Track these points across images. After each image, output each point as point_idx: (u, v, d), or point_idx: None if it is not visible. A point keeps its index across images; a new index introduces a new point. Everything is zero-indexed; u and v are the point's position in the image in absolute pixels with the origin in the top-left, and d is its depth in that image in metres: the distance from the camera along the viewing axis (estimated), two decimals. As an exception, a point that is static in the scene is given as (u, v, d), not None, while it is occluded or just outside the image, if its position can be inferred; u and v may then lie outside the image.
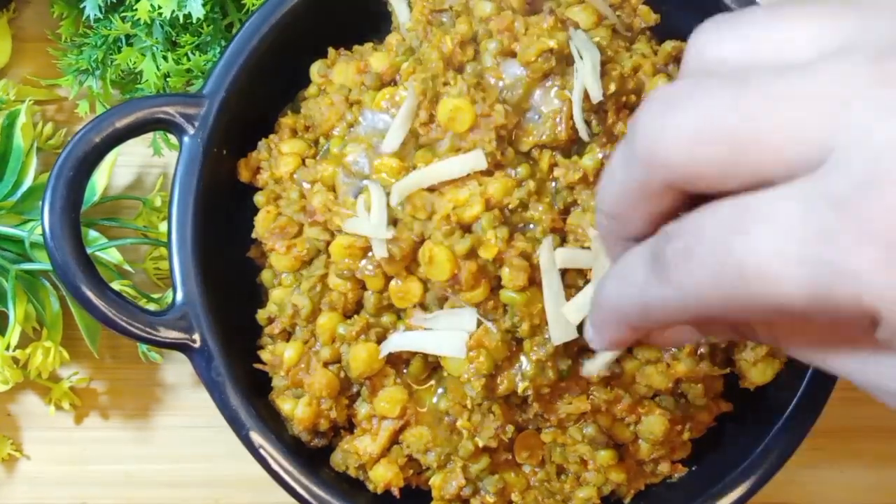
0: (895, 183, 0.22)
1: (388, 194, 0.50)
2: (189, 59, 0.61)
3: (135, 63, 0.62)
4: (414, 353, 0.52)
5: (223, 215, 0.56)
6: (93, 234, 0.63)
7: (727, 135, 0.24)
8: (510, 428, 0.52)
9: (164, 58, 0.61)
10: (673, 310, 0.27)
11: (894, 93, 0.23)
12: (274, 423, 0.54)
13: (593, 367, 0.50)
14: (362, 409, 0.53)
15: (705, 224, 0.25)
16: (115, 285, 0.61)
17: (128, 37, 0.63)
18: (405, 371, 0.53)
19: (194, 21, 0.59)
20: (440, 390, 0.53)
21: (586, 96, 0.49)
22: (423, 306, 0.51)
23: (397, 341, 0.51)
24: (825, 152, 0.23)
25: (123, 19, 0.61)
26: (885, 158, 0.22)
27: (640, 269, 0.28)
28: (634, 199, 0.28)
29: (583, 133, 0.48)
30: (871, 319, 0.24)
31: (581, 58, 0.49)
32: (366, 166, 0.52)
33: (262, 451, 0.52)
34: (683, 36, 0.43)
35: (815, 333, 0.30)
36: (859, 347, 0.29)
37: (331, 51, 0.58)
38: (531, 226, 0.50)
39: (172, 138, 0.59)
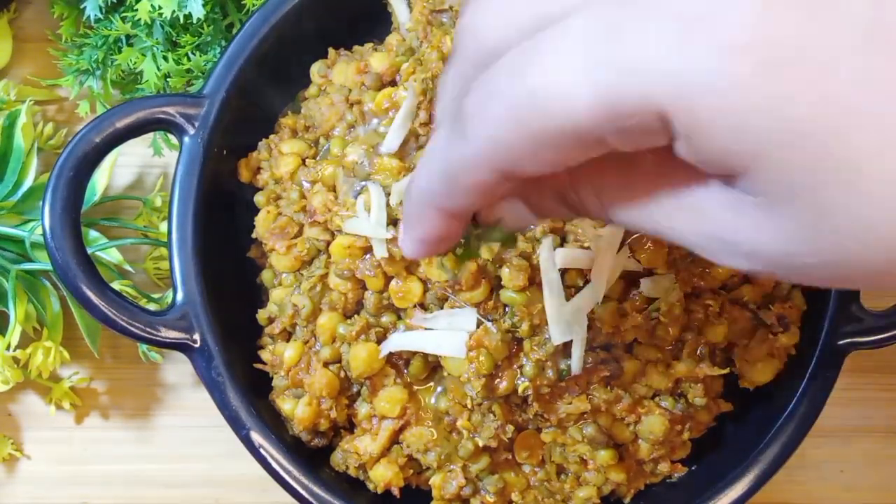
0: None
1: (388, 194, 0.50)
2: (189, 60, 0.61)
3: (135, 63, 0.62)
4: (414, 353, 0.52)
5: (223, 215, 0.56)
6: (93, 234, 0.63)
7: None
8: (510, 428, 0.52)
9: (165, 58, 0.61)
10: (476, 167, 0.25)
11: None
12: (274, 423, 0.54)
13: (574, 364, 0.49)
14: (362, 409, 0.53)
15: (500, 69, 0.24)
16: (116, 285, 0.61)
17: (128, 37, 0.63)
18: (405, 371, 0.53)
19: (194, 21, 0.59)
20: (440, 390, 0.53)
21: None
22: (423, 306, 0.51)
23: (397, 341, 0.51)
24: None
25: (124, 19, 0.61)
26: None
27: (442, 138, 0.26)
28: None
29: None
30: (668, 133, 0.22)
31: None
32: (366, 166, 0.52)
33: (262, 450, 0.52)
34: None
35: (640, 185, 0.26)
36: (683, 191, 0.25)
37: (331, 51, 0.58)
38: (531, 226, 0.50)
39: (173, 138, 0.59)
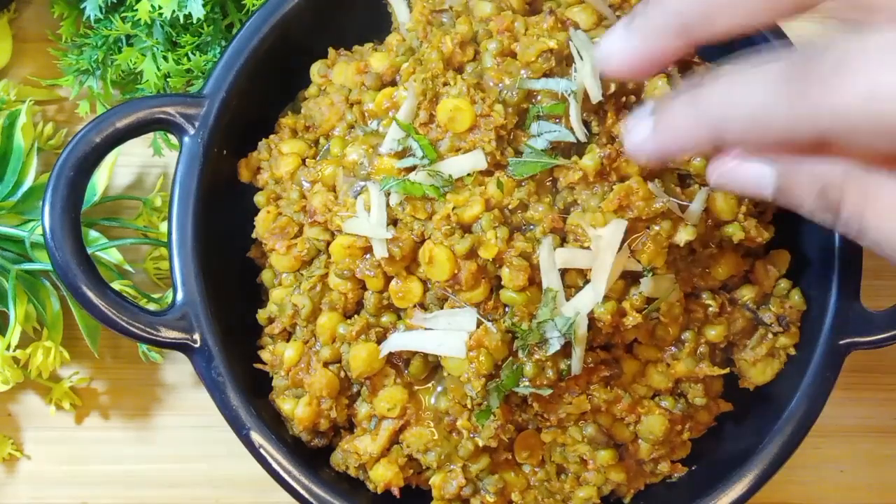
0: None
1: (387, 194, 0.50)
2: (189, 60, 0.61)
3: (135, 63, 0.62)
4: (414, 353, 0.52)
5: (223, 215, 0.56)
6: (93, 234, 0.63)
7: None
8: (510, 428, 0.52)
9: (165, 58, 0.61)
10: (796, 128, 0.27)
11: None
12: (274, 423, 0.54)
13: None
14: (362, 409, 0.53)
15: (867, 46, 0.25)
16: (116, 285, 0.61)
17: (128, 37, 0.63)
18: (405, 371, 0.53)
19: (194, 21, 0.59)
20: (440, 390, 0.53)
21: (586, 96, 0.49)
22: (423, 306, 0.51)
23: (397, 341, 0.51)
24: None
25: (124, 20, 0.61)
26: None
27: (762, 87, 0.28)
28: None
29: (579, 134, 0.48)
30: None
31: (581, 58, 0.49)
32: (366, 166, 0.52)
33: (262, 450, 0.52)
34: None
35: None
36: None
37: (331, 51, 0.58)
38: (531, 226, 0.50)
39: (172, 138, 0.59)
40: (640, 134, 0.35)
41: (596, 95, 0.49)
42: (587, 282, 0.49)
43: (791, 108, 0.27)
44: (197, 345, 0.52)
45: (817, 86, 0.26)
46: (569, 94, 0.48)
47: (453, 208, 0.49)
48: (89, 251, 0.52)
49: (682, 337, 0.53)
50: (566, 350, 0.49)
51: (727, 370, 0.55)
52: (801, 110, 0.27)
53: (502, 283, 0.49)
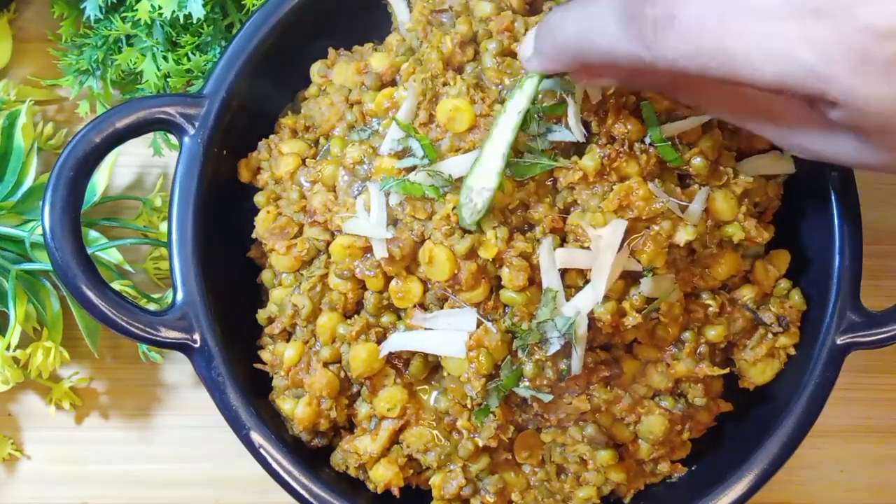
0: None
1: (387, 194, 0.50)
2: (189, 60, 0.61)
3: (135, 63, 0.62)
4: (414, 353, 0.52)
5: (223, 215, 0.56)
6: (93, 234, 0.63)
7: None
8: (510, 428, 0.52)
9: (165, 58, 0.61)
10: (638, 64, 0.34)
11: None
12: (274, 423, 0.54)
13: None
14: (362, 409, 0.53)
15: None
16: (116, 285, 0.61)
17: (128, 37, 0.63)
18: (405, 371, 0.53)
19: (194, 21, 0.59)
20: (440, 390, 0.53)
21: (586, 96, 0.49)
22: (423, 306, 0.51)
23: (397, 341, 0.51)
24: None
25: (124, 20, 0.61)
26: None
27: (612, 23, 0.34)
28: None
29: (578, 134, 0.48)
30: (828, 103, 0.32)
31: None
32: (366, 166, 0.52)
33: (262, 450, 0.52)
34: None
35: (760, 106, 0.39)
36: (810, 126, 0.38)
37: (331, 51, 0.58)
38: (531, 226, 0.50)
39: (172, 138, 0.59)
40: (525, 53, 0.42)
41: (595, 95, 0.49)
42: (587, 282, 0.49)
43: (633, 48, 0.34)
44: (197, 345, 0.52)
45: (650, 30, 0.33)
46: (567, 95, 0.48)
47: (453, 208, 0.49)
48: (89, 251, 0.52)
49: (682, 337, 0.53)
50: (566, 350, 0.49)
51: (727, 370, 0.55)
52: (637, 49, 0.34)
53: (502, 283, 0.49)
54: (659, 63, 0.34)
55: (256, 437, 0.52)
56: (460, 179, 0.49)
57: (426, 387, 0.53)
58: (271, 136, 0.58)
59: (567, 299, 0.49)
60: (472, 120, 0.50)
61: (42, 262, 0.60)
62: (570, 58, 0.39)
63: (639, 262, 0.49)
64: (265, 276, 0.57)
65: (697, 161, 0.51)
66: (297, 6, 0.55)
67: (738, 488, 0.53)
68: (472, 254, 0.49)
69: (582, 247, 0.49)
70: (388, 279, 0.51)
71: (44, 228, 0.51)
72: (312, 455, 0.55)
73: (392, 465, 0.53)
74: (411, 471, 0.54)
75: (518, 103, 0.47)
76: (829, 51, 0.30)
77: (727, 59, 0.31)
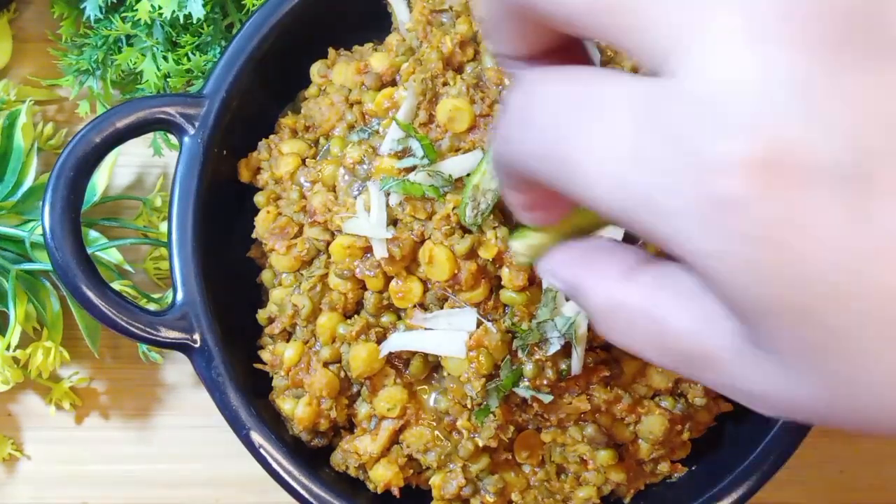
0: (729, 131, 0.19)
1: (387, 194, 0.50)
2: (189, 60, 0.61)
3: (135, 63, 0.62)
4: (414, 353, 0.52)
5: (223, 215, 0.56)
6: (93, 234, 0.63)
7: None
8: (510, 428, 0.52)
9: (165, 58, 0.61)
10: (507, 164, 0.26)
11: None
12: (274, 423, 0.54)
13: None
14: (362, 409, 0.53)
15: (547, 96, 0.24)
16: (116, 285, 0.61)
17: (128, 37, 0.63)
18: (405, 371, 0.53)
19: (194, 21, 0.59)
20: (440, 390, 0.53)
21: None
22: (423, 306, 0.51)
23: (397, 341, 0.51)
24: (680, 56, 0.20)
25: (124, 20, 0.61)
26: (724, 102, 0.19)
27: (502, 118, 0.27)
28: (499, 16, 0.27)
29: None
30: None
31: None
32: (366, 166, 0.52)
33: (262, 451, 0.52)
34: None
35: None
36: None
37: (331, 51, 0.58)
38: (531, 226, 0.50)
39: (173, 138, 0.59)
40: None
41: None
42: (587, 282, 0.49)
43: (503, 145, 0.26)
44: (197, 345, 0.52)
45: (512, 126, 0.25)
46: None
47: (453, 208, 0.49)
48: (89, 251, 0.52)
49: (682, 337, 0.53)
50: (566, 350, 0.49)
51: (727, 370, 0.55)
52: (507, 148, 0.26)
53: (502, 283, 0.49)
54: (516, 164, 0.26)
55: (256, 437, 0.52)
56: (460, 179, 0.49)
57: (426, 387, 0.53)
58: (271, 136, 0.58)
59: (567, 299, 0.49)
60: (472, 120, 0.50)
61: (42, 262, 0.60)
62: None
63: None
64: (265, 276, 0.57)
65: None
66: (298, 6, 0.55)
67: (739, 488, 0.53)
68: (472, 254, 0.49)
69: (582, 247, 0.49)
70: (388, 279, 0.51)
71: (44, 228, 0.51)
72: (312, 455, 0.55)
73: (392, 465, 0.53)
74: (411, 471, 0.54)
75: None
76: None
77: (565, 171, 0.23)
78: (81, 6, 0.61)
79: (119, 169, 0.66)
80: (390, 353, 0.52)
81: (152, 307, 0.58)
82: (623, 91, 0.22)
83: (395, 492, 0.54)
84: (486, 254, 0.49)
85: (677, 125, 0.20)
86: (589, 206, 0.23)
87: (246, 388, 0.53)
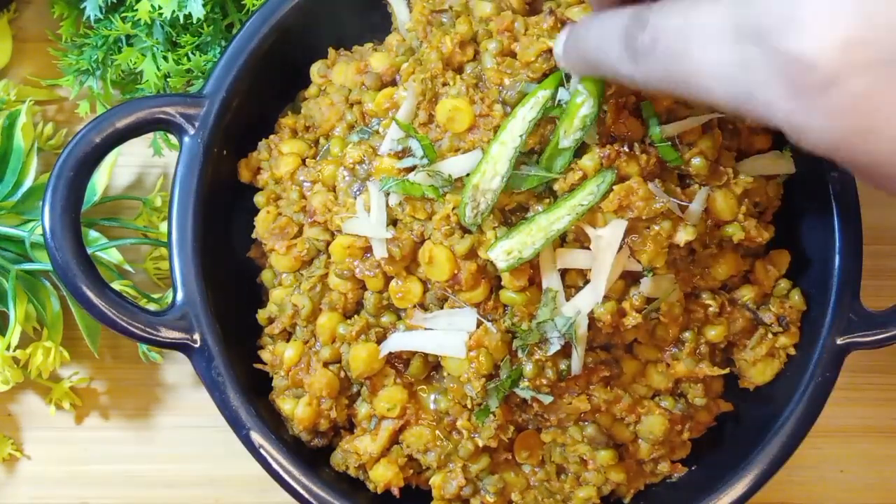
0: (810, 26, 0.29)
1: (387, 194, 0.50)
2: (189, 60, 0.61)
3: (135, 63, 0.62)
4: (414, 353, 0.52)
5: (223, 215, 0.56)
6: (93, 234, 0.63)
7: None
8: (510, 428, 0.52)
9: (165, 58, 0.61)
10: (632, 85, 0.37)
11: None
12: (274, 423, 0.54)
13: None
14: (362, 409, 0.53)
15: (666, 26, 0.34)
16: (116, 285, 0.61)
17: (128, 37, 0.63)
18: (405, 371, 0.53)
19: (194, 21, 0.59)
20: (440, 390, 0.53)
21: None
22: (423, 306, 0.51)
23: (397, 341, 0.51)
24: None
25: (124, 20, 0.61)
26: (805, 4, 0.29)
27: (616, 45, 0.37)
28: None
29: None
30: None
31: (581, 58, 0.49)
32: (366, 167, 0.52)
33: (262, 451, 0.52)
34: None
35: None
36: None
37: (331, 51, 0.58)
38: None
39: (173, 138, 0.59)
40: (557, 51, 0.45)
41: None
42: (587, 282, 0.49)
43: (629, 70, 0.37)
44: (197, 345, 0.52)
45: (640, 54, 0.35)
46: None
47: (453, 208, 0.49)
48: (89, 251, 0.52)
49: (682, 337, 0.53)
50: (566, 350, 0.49)
51: (727, 370, 0.55)
52: (630, 71, 0.37)
53: (502, 283, 0.49)
54: (644, 86, 0.37)
55: (256, 437, 0.52)
56: (460, 179, 0.49)
57: (426, 387, 0.53)
58: (271, 136, 0.58)
59: (567, 299, 0.49)
60: (471, 120, 0.50)
61: (42, 262, 0.60)
62: (590, 68, 0.42)
63: (639, 262, 0.49)
64: (265, 276, 0.57)
65: (697, 161, 0.51)
66: (297, 6, 0.55)
67: (738, 488, 0.53)
68: (472, 254, 0.49)
69: (582, 247, 0.49)
70: (388, 279, 0.51)
71: (44, 228, 0.51)
72: (312, 455, 0.55)
73: (392, 465, 0.53)
74: (411, 471, 0.54)
75: (529, 111, 0.48)
76: (765, 75, 0.31)
77: (687, 83, 0.33)
78: (81, 6, 0.61)
79: (119, 169, 0.66)
80: (390, 353, 0.52)
81: (152, 307, 0.58)
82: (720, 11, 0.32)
83: (395, 492, 0.54)
84: (485, 254, 0.49)
85: (767, 25, 0.30)
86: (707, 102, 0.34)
87: (246, 388, 0.53)
